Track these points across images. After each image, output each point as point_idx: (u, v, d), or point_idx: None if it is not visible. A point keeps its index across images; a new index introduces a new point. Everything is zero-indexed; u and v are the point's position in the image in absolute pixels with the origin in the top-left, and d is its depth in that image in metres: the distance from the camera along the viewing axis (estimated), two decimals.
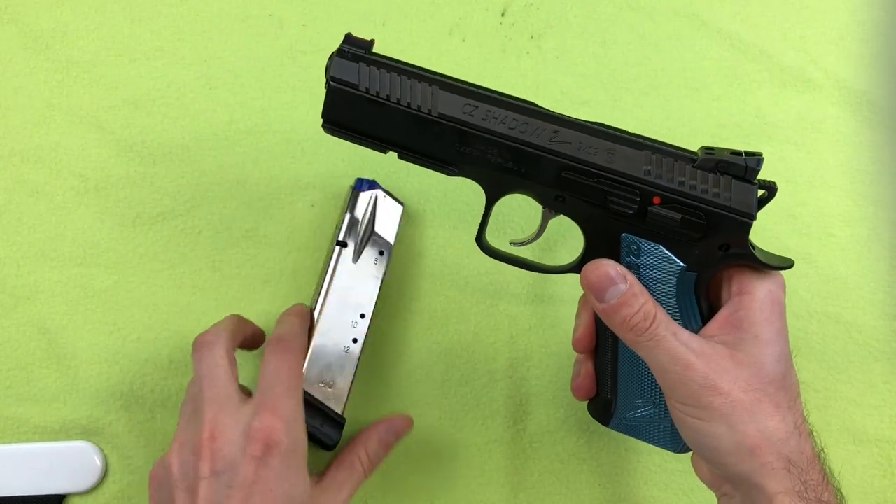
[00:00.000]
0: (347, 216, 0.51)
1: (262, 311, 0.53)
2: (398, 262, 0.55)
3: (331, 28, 0.58)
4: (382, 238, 0.51)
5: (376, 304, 0.50)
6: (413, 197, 0.56)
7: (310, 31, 0.58)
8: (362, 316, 0.50)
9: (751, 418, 0.38)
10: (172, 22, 0.58)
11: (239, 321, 0.48)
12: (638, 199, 0.39)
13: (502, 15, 0.60)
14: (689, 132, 0.58)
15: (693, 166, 0.39)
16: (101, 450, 0.52)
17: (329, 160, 0.56)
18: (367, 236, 0.51)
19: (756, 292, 0.40)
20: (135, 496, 0.51)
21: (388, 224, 0.52)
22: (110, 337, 0.53)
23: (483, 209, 0.44)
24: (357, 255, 0.50)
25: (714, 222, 0.39)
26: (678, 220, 0.39)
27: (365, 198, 0.52)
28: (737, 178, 0.39)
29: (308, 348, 0.48)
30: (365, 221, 0.51)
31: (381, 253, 0.51)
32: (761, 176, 0.40)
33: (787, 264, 0.41)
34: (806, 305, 0.56)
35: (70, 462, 0.51)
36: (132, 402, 0.52)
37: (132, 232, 0.55)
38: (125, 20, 0.58)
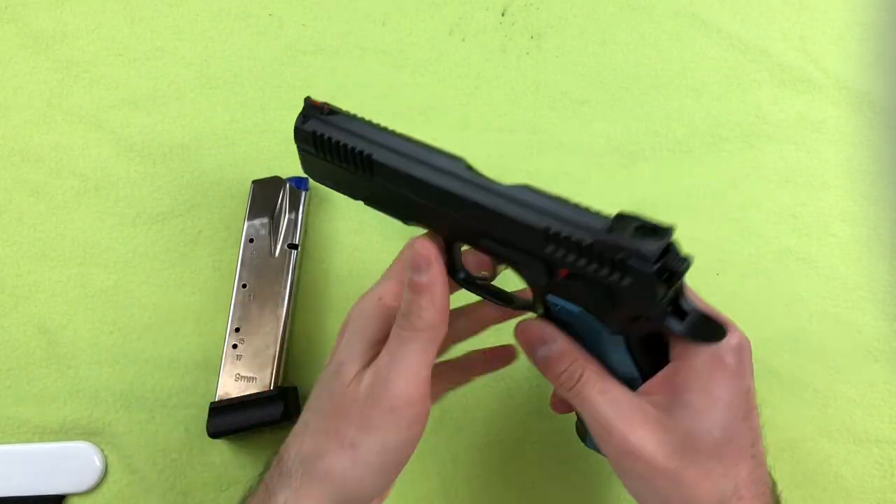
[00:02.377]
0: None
1: None
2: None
3: (331, 28, 0.58)
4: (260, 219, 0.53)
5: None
6: None
7: (310, 31, 0.58)
8: (244, 286, 0.52)
9: (674, 486, 0.36)
10: (172, 22, 0.58)
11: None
12: (546, 270, 0.38)
13: (502, 15, 0.60)
14: (688, 132, 0.58)
15: (589, 244, 0.36)
16: (101, 450, 0.52)
17: None
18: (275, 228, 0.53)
19: (693, 359, 0.37)
20: (135, 496, 0.51)
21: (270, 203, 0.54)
22: (110, 337, 0.53)
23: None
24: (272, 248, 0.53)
25: (616, 298, 0.36)
26: (585, 291, 0.37)
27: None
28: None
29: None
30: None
31: (257, 231, 0.53)
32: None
33: (717, 336, 0.37)
34: (806, 305, 0.55)
35: (70, 462, 0.51)
36: (132, 402, 0.52)
37: (132, 232, 0.55)
38: (125, 20, 0.58)
